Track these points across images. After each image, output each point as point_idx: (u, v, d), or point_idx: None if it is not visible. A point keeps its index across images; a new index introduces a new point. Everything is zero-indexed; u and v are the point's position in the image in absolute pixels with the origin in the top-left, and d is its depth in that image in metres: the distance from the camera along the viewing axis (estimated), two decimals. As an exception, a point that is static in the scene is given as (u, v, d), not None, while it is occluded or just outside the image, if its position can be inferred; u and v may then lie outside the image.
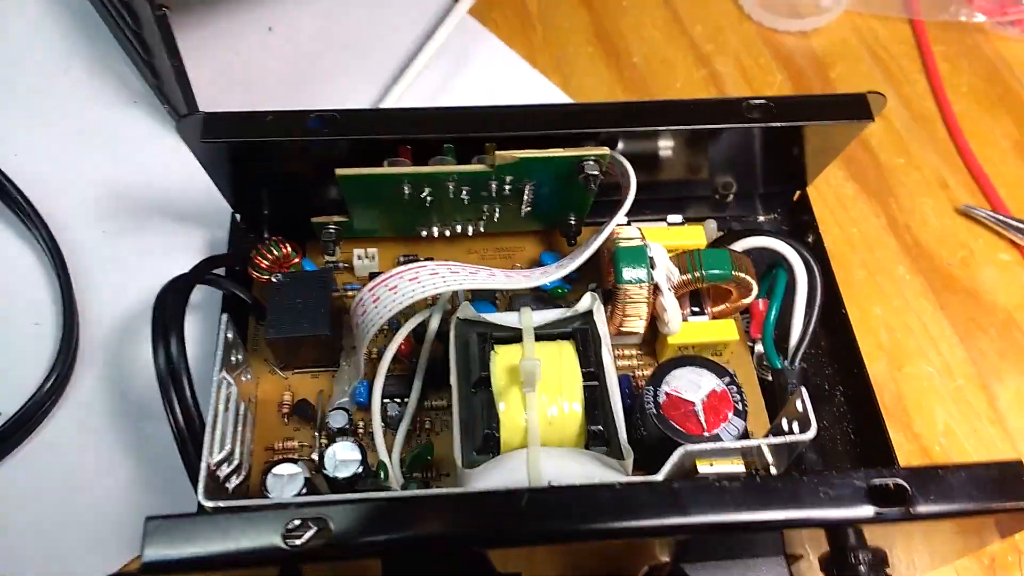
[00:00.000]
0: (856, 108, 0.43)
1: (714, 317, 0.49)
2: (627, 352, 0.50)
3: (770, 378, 0.49)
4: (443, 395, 0.47)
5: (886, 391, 0.53)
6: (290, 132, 0.41)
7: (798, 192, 0.55)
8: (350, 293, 0.51)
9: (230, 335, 0.42)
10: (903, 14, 0.71)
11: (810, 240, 0.54)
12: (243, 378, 0.46)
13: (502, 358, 0.42)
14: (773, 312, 0.50)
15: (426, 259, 0.47)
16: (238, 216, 0.52)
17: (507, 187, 0.45)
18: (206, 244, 0.55)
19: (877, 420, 0.47)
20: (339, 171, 0.43)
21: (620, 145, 0.45)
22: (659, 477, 0.39)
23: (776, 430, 0.44)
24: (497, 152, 0.43)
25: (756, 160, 0.50)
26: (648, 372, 0.49)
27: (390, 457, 0.45)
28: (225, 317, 0.42)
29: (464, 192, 0.45)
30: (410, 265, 0.42)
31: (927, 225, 0.61)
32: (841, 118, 0.43)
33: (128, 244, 0.55)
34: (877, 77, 0.68)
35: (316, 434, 0.46)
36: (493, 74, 0.66)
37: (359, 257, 0.50)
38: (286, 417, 0.46)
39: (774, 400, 0.48)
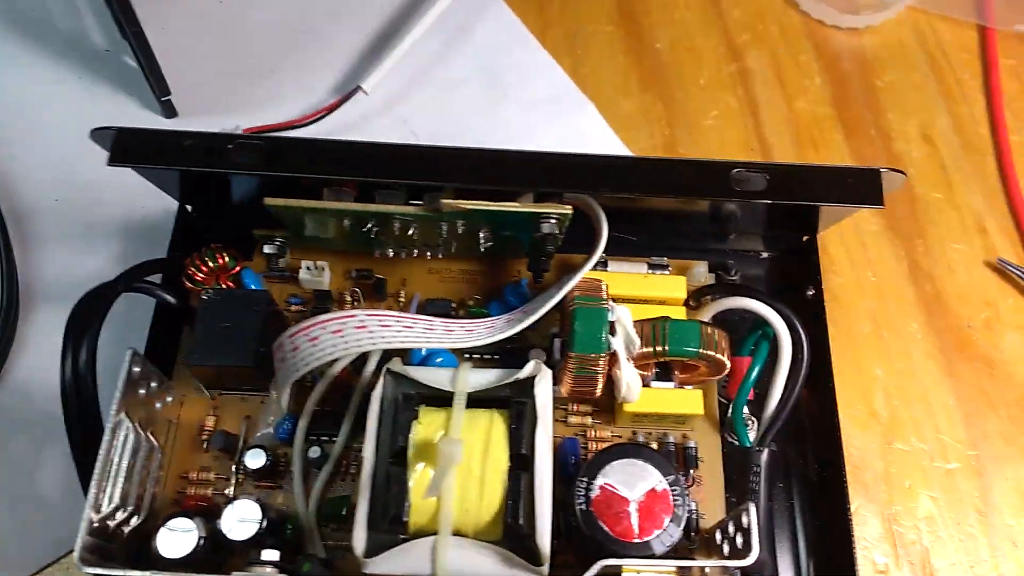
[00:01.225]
0: (865, 189, 0.37)
1: (680, 384, 0.44)
2: (582, 408, 0.45)
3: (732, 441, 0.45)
4: (374, 439, 0.43)
5: (871, 468, 0.49)
6: (209, 162, 0.36)
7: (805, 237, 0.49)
8: (293, 307, 0.47)
9: (136, 369, 0.39)
10: (973, 18, 0.62)
11: (810, 293, 0.49)
12: (167, 398, 0.43)
13: (425, 428, 0.38)
14: (751, 380, 0.45)
15: (367, 309, 0.42)
16: (188, 208, 0.48)
17: (460, 229, 0.41)
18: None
19: (845, 524, 0.42)
20: (268, 200, 0.39)
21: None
22: (570, 594, 0.35)
23: (722, 530, 0.40)
24: (444, 200, 0.38)
25: (753, 210, 0.45)
26: (602, 434, 0.45)
27: (307, 504, 0.42)
28: (130, 353, 0.38)
29: (412, 230, 0.40)
30: (336, 315, 0.38)
31: (953, 276, 0.54)
32: (845, 201, 0.37)
33: (81, 221, 0.52)
34: (930, 91, 0.60)
35: (234, 468, 0.43)
36: (495, 51, 0.59)
37: (307, 269, 0.46)
38: (206, 444, 0.44)
39: (737, 474, 0.44)
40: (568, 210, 0.38)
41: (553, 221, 0.38)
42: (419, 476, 0.38)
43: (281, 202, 0.38)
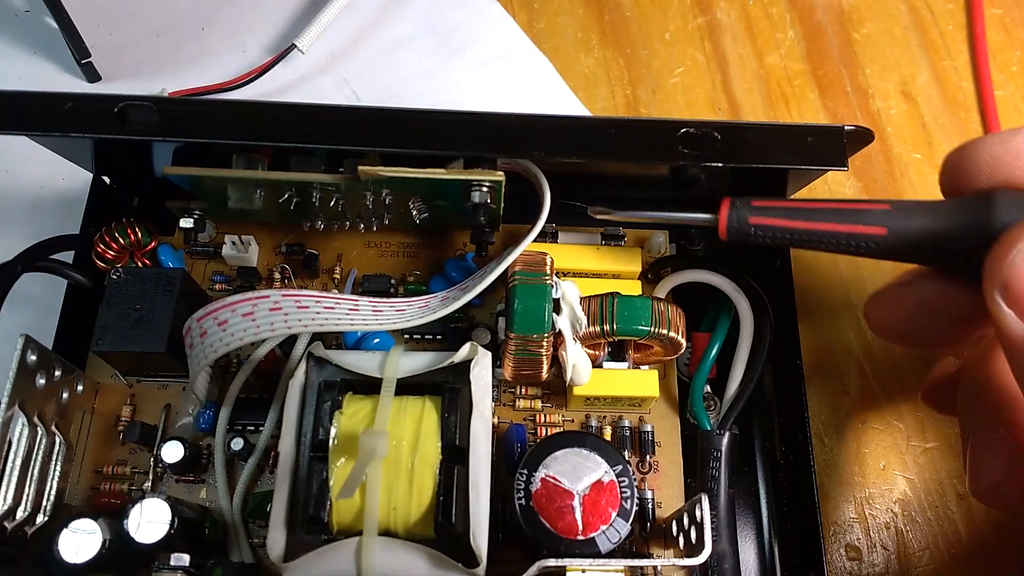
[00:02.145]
0: (827, 149, 0.33)
1: (635, 364, 0.41)
2: (531, 392, 0.42)
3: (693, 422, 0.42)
4: (304, 427, 0.40)
5: (844, 449, 0.45)
6: (91, 127, 0.33)
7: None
8: (218, 286, 0.43)
9: (32, 357, 0.35)
10: (958, -35, 0.58)
11: (778, 264, 0.45)
12: (76, 388, 0.40)
13: (349, 418, 0.35)
14: (710, 358, 0.42)
15: (276, 288, 0.40)
16: (106, 180, 0.44)
17: (387, 200, 0.37)
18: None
19: (812, 508, 0.39)
20: (167, 169, 0.35)
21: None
22: (504, 600, 0.32)
23: (677, 521, 0.37)
24: (360, 168, 0.34)
25: (716, 174, 0.41)
26: (553, 419, 0.42)
27: (231, 499, 0.39)
28: (23, 339, 0.35)
29: (336, 201, 0.37)
30: (246, 296, 0.35)
31: (933, 243, 0.51)
32: (805, 163, 0.34)
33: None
34: (911, 44, 0.56)
35: (152, 461, 0.40)
36: (444, 5, 0.55)
37: (232, 244, 0.43)
38: (122, 436, 0.40)
39: (698, 459, 0.41)
40: (499, 177, 0.35)
41: (485, 189, 0.35)
42: (341, 471, 0.34)
43: (180, 170, 0.35)
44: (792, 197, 0.38)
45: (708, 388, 0.43)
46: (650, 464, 0.41)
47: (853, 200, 0.35)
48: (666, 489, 0.41)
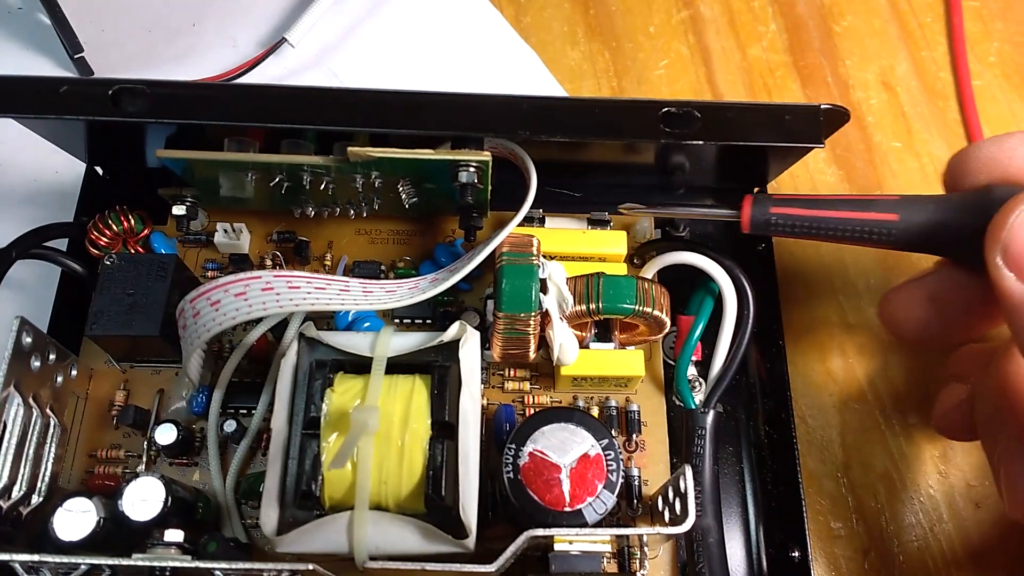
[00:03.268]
0: (804, 127, 0.34)
1: (622, 345, 0.42)
2: (519, 374, 0.43)
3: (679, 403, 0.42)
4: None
5: (827, 427, 0.46)
6: (86, 109, 0.33)
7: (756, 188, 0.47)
8: (210, 273, 0.44)
9: (27, 339, 0.36)
10: (937, -43, 0.59)
11: (761, 247, 0.46)
12: (70, 372, 0.40)
13: (340, 396, 0.36)
14: (694, 338, 0.43)
15: (270, 269, 0.41)
16: (99, 170, 0.45)
17: (377, 183, 0.38)
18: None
19: (795, 487, 0.40)
20: (160, 152, 0.35)
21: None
22: (492, 568, 0.33)
23: (663, 496, 0.38)
24: (350, 148, 0.35)
25: (699, 159, 0.42)
26: (541, 400, 0.42)
27: (224, 481, 0.39)
28: (18, 321, 0.35)
29: (326, 184, 0.38)
30: (238, 276, 0.35)
31: (913, 228, 0.52)
32: (783, 140, 0.34)
33: None
34: (890, 35, 0.57)
35: (145, 444, 0.40)
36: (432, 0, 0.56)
37: (224, 232, 0.43)
38: (116, 420, 0.41)
39: (683, 438, 0.42)
40: (486, 157, 0.35)
41: (472, 169, 0.35)
42: (333, 447, 0.35)
43: (174, 154, 0.35)
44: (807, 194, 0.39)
45: (694, 371, 0.43)
46: (636, 443, 0.42)
47: (865, 195, 0.37)
48: (652, 467, 0.42)
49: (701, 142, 0.34)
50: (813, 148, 0.35)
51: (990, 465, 0.36)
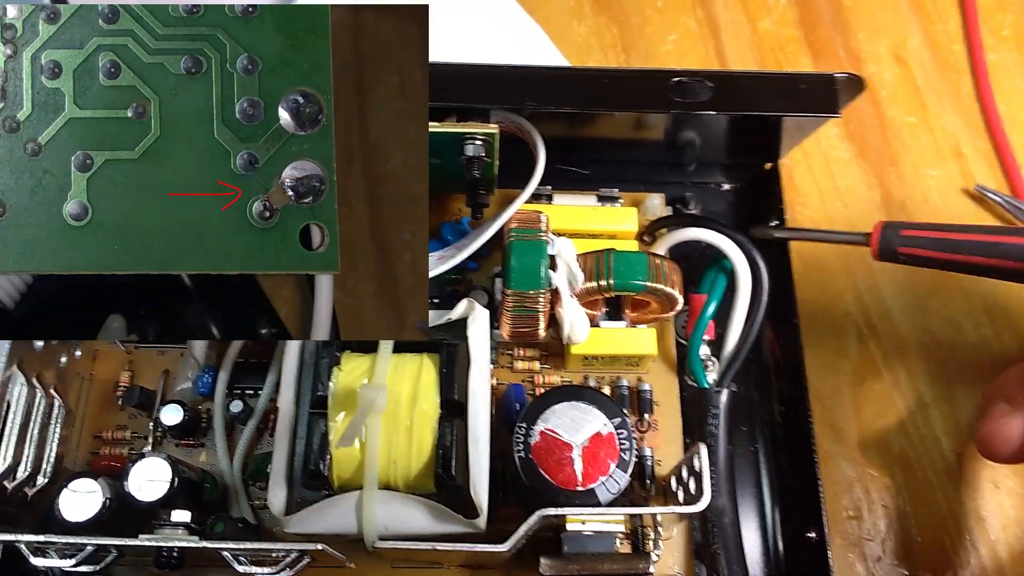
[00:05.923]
0: (819, 97, 0.34)
1: (633, 324, 0.41)
2: (529, 354, 0.42)
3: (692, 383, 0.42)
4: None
5: (842, 408, 0.45)
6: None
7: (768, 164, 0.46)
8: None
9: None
10: (948, -71, 0.58)
11: (774, 224, 0.45)
12: (75, 353, 0.40)
13: (347, 375, 0.35)
14: (707, 316, 0.42)
15: None
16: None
17: (381, 157, 0.37)
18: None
19: (811, 467, 0.39)
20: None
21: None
22: (504, 547, 0.32)
23: (677, 476, 0.38)
24: (354, 122, 0.34)
25: (710, 133, 0.41)
26: (551, 380, 0.42)
27: (231, 461, 0.39)
28: (21, 301, 0.35)
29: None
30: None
31: (927, 205, 0.51)
32: (798, 110, 0.34)
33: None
34: (902, 8, 0.56)
35: (151, 425, 0.40)
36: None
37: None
38: (121, 401, 0.40)
39: (696, 417, 0.41)
40: (493, 129, 0.35)
41: (479, 142, 0.35)
42: (340, 427, 0.34)
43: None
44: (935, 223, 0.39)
45: (707, 350, 0.43)
46: (648, 423, 0.41)
47: (994, 227, 0.36)
48: (664, 447, 0.41)
49: (713, 112, 0.33)
50: (829, 119, 0.34)
51: None
